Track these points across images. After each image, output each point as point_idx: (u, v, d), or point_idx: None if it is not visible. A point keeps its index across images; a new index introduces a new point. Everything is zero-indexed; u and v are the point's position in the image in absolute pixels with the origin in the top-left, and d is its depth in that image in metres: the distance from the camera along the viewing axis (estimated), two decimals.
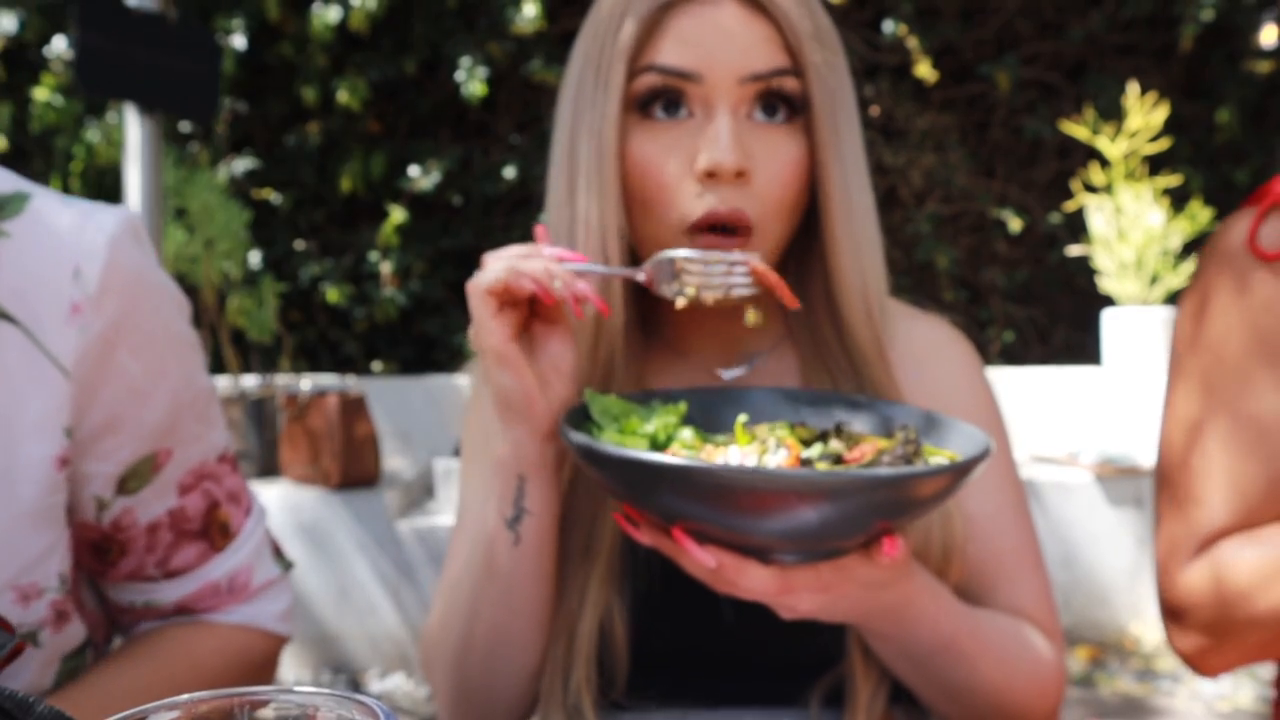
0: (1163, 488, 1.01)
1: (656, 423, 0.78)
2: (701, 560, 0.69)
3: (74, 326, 0.75)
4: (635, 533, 0.74)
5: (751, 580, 0.69)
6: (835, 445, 0.72)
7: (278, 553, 0.97)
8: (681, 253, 0.79)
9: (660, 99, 0.85)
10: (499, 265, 0.78)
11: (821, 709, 0.89)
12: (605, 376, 0.90)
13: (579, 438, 0.70)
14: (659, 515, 0.70)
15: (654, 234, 0.87)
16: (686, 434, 0.77)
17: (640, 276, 0.81)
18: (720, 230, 0.84)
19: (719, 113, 0.84)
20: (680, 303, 0.80)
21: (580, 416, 0.79)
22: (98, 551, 0.86)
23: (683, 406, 0.80)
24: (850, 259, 0.89)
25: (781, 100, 0.86)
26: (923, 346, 0.98)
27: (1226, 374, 0.96)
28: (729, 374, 0.96)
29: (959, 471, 0.65)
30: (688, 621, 0.90)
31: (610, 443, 0.74)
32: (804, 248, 0.94)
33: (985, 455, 0.67)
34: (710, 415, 0.81)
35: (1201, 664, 0.99)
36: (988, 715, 0.85)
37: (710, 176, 0.83)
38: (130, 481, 0.82)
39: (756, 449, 0.72)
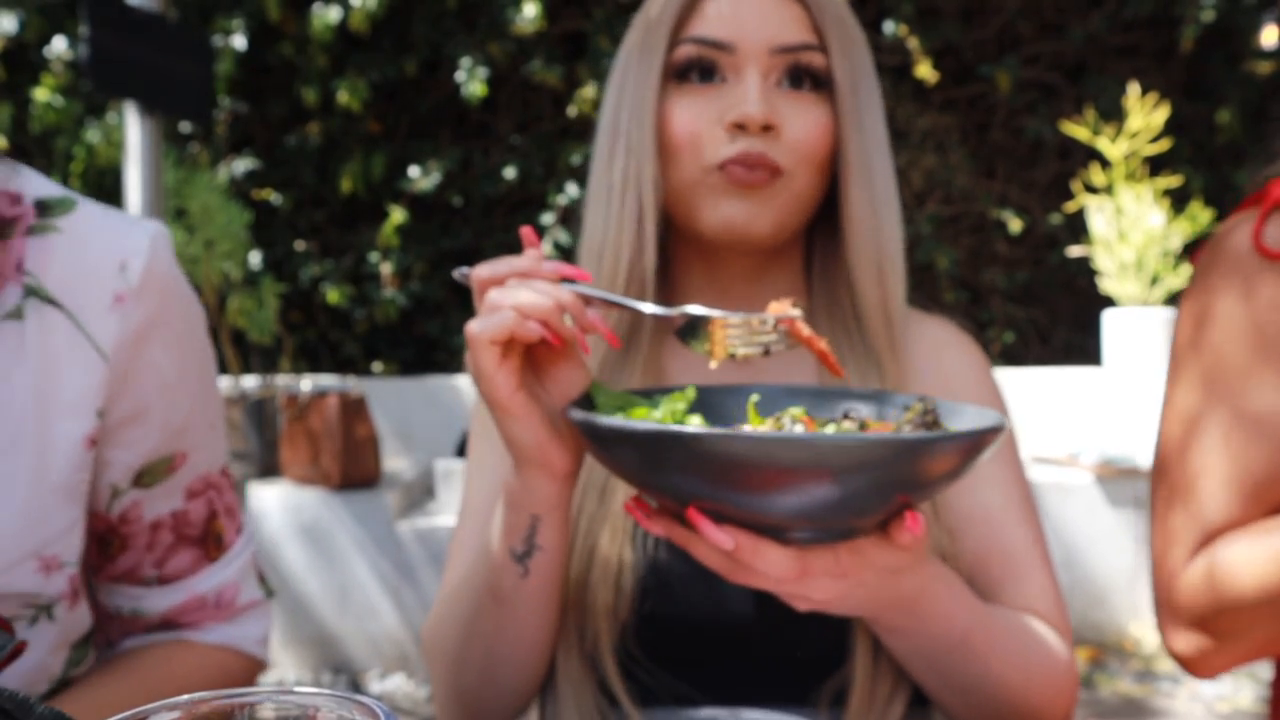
0: (1160, 486, 1.00)
1: (664, 409, 0.75)
2: (718, 541, 0.66)
3: (116, 315, 0.81)
4: (647, 522, 0.71)
5: (768, 563, 0.66)
6: (848, 425, 0.70)
7: (261, 579, 0.99)
8: (717, 313, 0.73)
9: (696, 68, 0.92)
10: (504, 309, 0.71)
11: (831, 709, 0.89)
12: (621, 358, 0.90)
13: (589, 417, 0.67)
14: (672, 496, 0.67)
15: (684, 180, 0.92)
16: (695, 420, 0.74)
17: (648, 309, 0.75)
18: (748, 166, 0.89)
19: (748, 75, 0.90)
20: (714, 364, 0.75)
21: (585, 407, 0.76)
22: (101, 544, 0.88)
23: (691, 391, 0.77)
24: (868, 227, 0.94)
25: (807, 74, 0.92)
26: (930, 345, 0.99)
27: (1229, 372, 0.96)
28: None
29: (980, 438, 0.63)
30: (697, 605, 0.89)
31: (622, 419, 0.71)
32: (827, 232, 0.99)
33: (1002, 426, 0.65)
34: (716, 410, 0.79)
35: (1198, 665, 0.97)
36: (1004, 715, 0.84)
37: (739, 128, 0.89)
38: (146, 476, 0.86)
39: (772, 426, 0.69)
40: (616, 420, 0.66)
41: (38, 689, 0.82)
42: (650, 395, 0.79)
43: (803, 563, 0.67)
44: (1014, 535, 0.92)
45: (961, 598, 0.79)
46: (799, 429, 0.68)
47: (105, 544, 0.87)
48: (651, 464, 0.65)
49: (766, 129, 0.89)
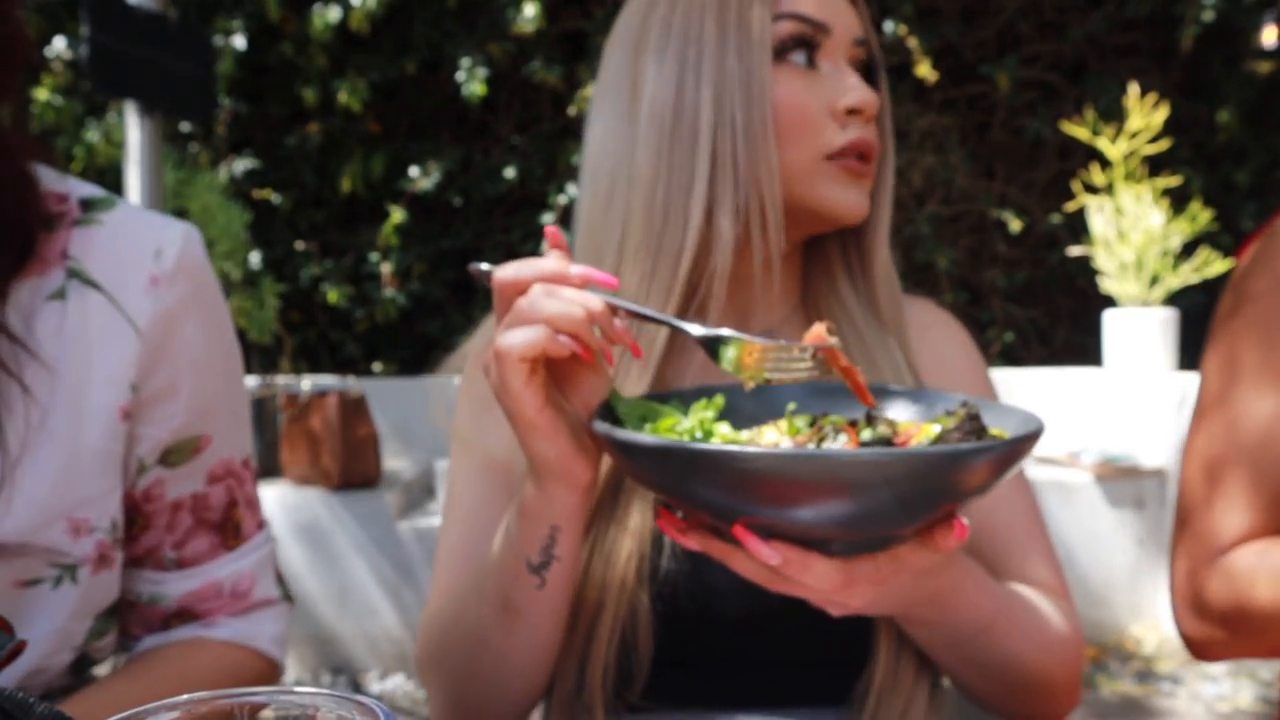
0: (1184, 510, 1.02)
1: (693, 419, 0.72)
2: (765, 557, 0.64)
3: (150, 295, 0.88)
4: (681, 537, 0.69)
5: (815, 576, 0.65)
6: (883, 429, 0.68)
7: (281, 581, 1.01)
8: (759, 340, 0.70)
9: (798, 47, 0.90)
10: (535, 323, 0.67)
11: (844, 709, 0.89)
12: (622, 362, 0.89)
13: (634, 436, 0.65)
14: (715, 513, 0.64)
15: (795, 165, 0.90)
16: (724, 429, 0.72)
17: (691, 329, 0.71)
18: (857, 157, 0.91)
19: (842, 61, 0.92)
20: (749, 386, 0.71)
21: (605, 415, 0.72)
22: (124, 522, 0.91)
23: (720, 400, 0.74)
24: (888, 216, 0.97)
25: (869, 68, 0.95)
26: (919, 326, 1.01)
27: (1256, 421, 0.97)
28: None
29: (1026, 441, 0.62)
30: (711, 616, 0.89)
31: (678, 438, 0.68)
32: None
33: (1043, 427, 0.65)
34: (739, 414, 0.77)
35: (1204, 652, 1.01)
36: (1021, 688, 0.86)
37: (852, 114, 0.90)
38: (172, 455, 0.90)
39: (812, 436, 0.67)
40: (666, 440, 0.64)
41: (60, 657, 0.85)
42: (665, 400, 0.78)
43: (847, 573, 0.66)
44: (1014, 508, 0.94)
45: (986, 587, 0.80)
46: (843, 439, 0.66)
47: (129, 522, 0.91)
48: (697, 483, 0.63)
49: (869, 118, 0.90)
